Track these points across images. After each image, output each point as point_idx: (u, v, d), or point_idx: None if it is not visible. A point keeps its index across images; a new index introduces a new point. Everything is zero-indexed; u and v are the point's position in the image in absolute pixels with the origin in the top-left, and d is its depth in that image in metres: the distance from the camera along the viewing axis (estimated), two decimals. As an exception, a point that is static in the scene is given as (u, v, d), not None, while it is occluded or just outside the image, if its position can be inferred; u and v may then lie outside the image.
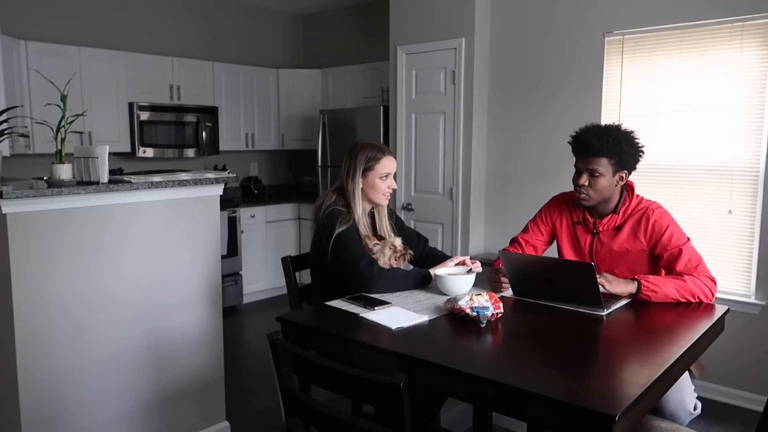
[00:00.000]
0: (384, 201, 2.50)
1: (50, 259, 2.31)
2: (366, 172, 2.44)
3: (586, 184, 2.34)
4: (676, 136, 3.50)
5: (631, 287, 2.17)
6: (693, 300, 2.18)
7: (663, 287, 2.16)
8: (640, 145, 2.36)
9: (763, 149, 3.22)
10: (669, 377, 1.69)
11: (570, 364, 1.70)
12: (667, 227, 2.30)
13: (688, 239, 2.31)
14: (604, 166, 2.30)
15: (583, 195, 2.36)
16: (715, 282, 2.23)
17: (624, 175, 2.34)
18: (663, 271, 2.34)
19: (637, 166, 2.39)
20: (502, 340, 1.92)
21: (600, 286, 2.07)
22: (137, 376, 2.61)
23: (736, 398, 3.39)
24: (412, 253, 2.49)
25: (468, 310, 1.96)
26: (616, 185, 2.35)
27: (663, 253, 2.30)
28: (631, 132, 2.36)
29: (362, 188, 2.46)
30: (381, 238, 2.50)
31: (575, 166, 2.39)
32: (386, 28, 4.72)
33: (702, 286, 2.19)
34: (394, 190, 2.54)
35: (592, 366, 1.73)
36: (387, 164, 2.46)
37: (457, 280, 2.24)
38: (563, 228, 2.53)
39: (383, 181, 2.46)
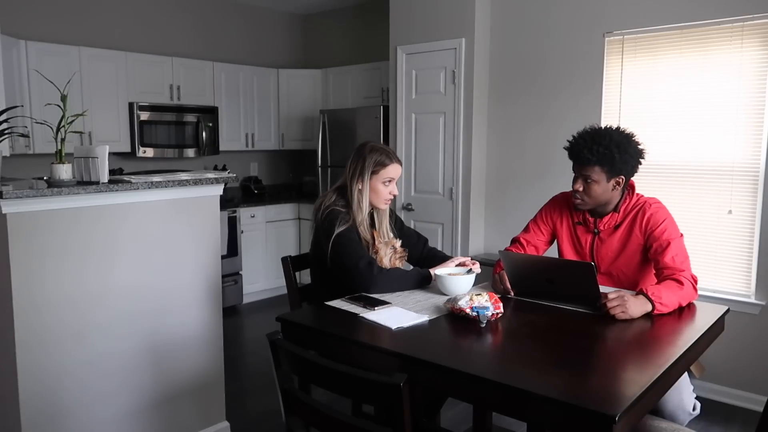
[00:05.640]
0: (383, 205, 2.51)
1: (50, 258, 2.31)
2: (371, 176, 2.44)
3: (581, 189, 2.33)
4: (676, 136, 3.50)
5: (647, 306, 2.05)
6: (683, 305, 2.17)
7: (671, 305, 2.09)
8: (639, 148, 2.33)
9: (763, 149, 3.22)
10: (669, 377, 1.69)
11: (570, 364, 1.70)
12: (663, 221, 2.30)
13: (681, 235, 2.30)
14: (597, 173, 2.29)
15: (579, 200, 2.37)
16: (697, 282, 2.22)
17: (621, 180, 2.32)
18: (653, 270, 2.34)
19: (638, 167, 2.37)
20: (502, 340, 1.92)
21: (610, 310, 2.01)
22: (137, 376, 2.61)
23: (736, 398, 3.39)
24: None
25: (468, 310, 1.96)
26: (613, 190, 2.33)
27: (653, 244, 2.28)
28: (630, 136, 2.33)
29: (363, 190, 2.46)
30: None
31: (572, 170, 2.39)
32: (386, 28, 4.72)
33: (692, 292, 2.18)
34: (395, 196, 2.55)
35: (592, 366, 1.73)
36: (392, 170, 2.47)
37: (457, 280, 2.24)
38: (564, 228, 2.53)
39: (386, 186, 2.46)
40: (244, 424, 3.16)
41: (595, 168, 2.28)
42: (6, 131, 2.39)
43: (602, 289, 2.12)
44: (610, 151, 2.26)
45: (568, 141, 2.39)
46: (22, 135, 3.80)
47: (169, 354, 2.71)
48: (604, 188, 2.31)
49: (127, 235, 2.53)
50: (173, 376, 2.73)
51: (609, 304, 2.01)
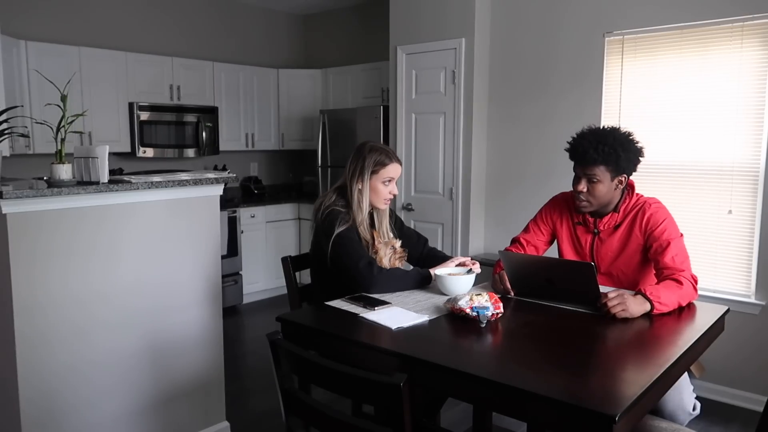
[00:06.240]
0: (383, 205, 2.51)
1: (50, 259, 2.31)
2: (371, 176, 2.45)
3: (585, 190, 2.33)
4: (676, 136, 3.50)
5: (645, 306, 2.05)
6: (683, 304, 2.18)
7: (671, 305, 2.10)
8: (639, 147, 2.35)
9: (763, 149, 3.22)
10: (669, 377, 1.69)
11: (570, 364, 1.70)
12: (663, 221, 2.30)
13: (681, 235, 2.30)
14: (601, 172, 2.29)
15: (583, 202, 2.36)
16: (697, 282, 2.22)
17: (623, 179, 2.33)
18: (653, 270, 2.34)
19: (638, 167, 2.38)
20: (502, 340, 1.92)
21: (610, 309, 2.01)
22: (137, 376, 2.61)
23: (736, 398, 3.39)
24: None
25: (468, 310, 1.96)
26: (616, 189, 2.34)
27: (653, 244, 2.29)
28: (629, 135, 2.34)
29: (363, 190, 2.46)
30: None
31: (574, 170, 2.38)
32: (386, 28, 4.72)
33: (692, 292, 2.18)
34: (395, 196, 2.55)
35: (592, 366, 1.73)
36: (392, 170, 2.47)
37: (457, 280, 2.24)
38: (563, 229, 2.53)
39: (385, 186, 2.46)
40: (244, 424, 3.16)
41: (600, 167, 2.28)
42: (6, 131, 2.39)
43: (602, 289, 2.13)
44: (614, 150, 2.27)
45: (568, 142, 2.39)
46: (22, 135, 3.80)
47: (169, 354, 2.71)
48: (608, 188, 2.32)
49: (127, 235, 2.53)
50: (173, 376, 2.73)
51: (609, 303, 2.02)
